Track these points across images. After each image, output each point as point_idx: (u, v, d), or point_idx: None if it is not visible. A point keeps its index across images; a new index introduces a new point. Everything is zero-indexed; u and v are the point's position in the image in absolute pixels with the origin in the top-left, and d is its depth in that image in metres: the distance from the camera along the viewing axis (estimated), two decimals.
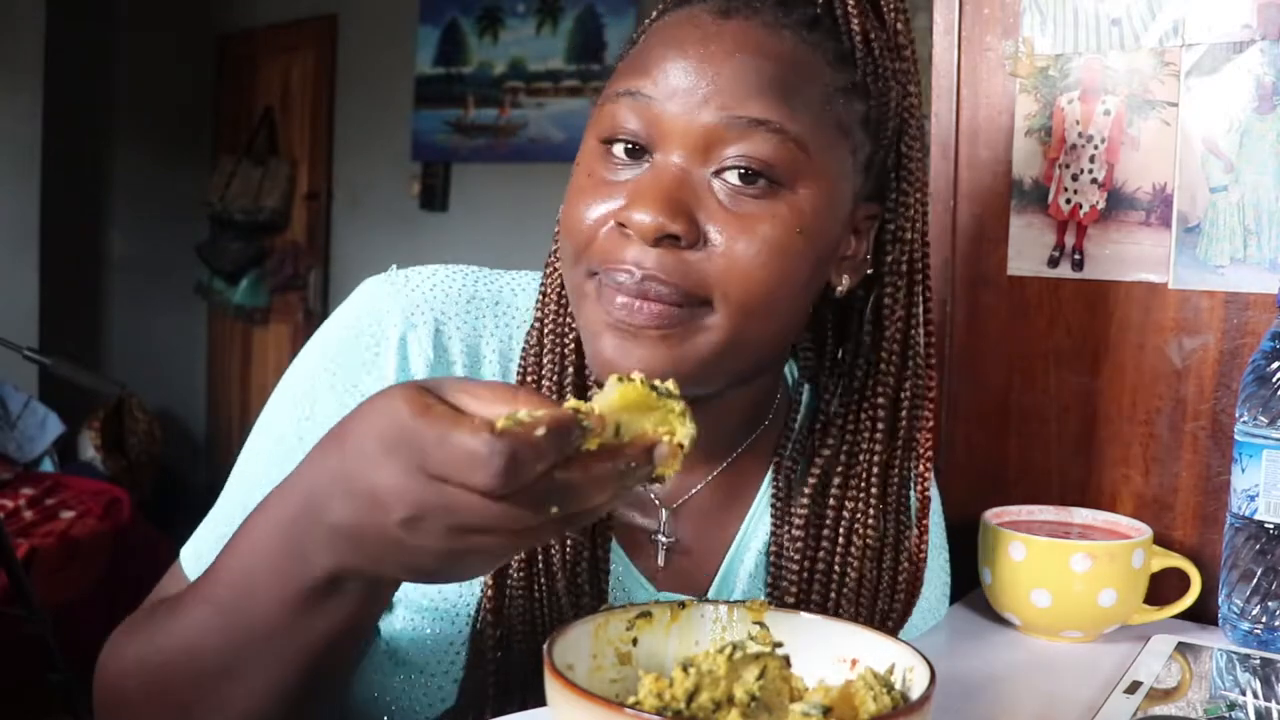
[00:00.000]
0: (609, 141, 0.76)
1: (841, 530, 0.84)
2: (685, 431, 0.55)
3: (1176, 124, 1.06)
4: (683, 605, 0.67)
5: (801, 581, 0.84)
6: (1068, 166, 1.11)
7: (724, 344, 0.75)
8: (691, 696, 0.55)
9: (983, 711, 0.84)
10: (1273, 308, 1.00)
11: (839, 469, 0.85)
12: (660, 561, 0.85)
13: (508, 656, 0.78)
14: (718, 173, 0.74)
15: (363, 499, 0.55)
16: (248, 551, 0.63)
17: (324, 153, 5.06)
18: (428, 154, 4.69)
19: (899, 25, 0.81)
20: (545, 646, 0.57)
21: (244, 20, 5.41)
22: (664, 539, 0.85)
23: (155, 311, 5.33)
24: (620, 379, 0.55)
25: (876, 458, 0.85)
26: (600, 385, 0.70)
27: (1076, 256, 1.11)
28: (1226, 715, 0.80)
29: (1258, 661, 0.91)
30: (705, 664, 0.56)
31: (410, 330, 0.81)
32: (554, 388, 0.82)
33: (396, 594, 0.80)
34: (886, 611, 0.86)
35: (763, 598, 0.84)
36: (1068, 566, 0.94)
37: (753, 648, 0.58)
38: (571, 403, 0.53)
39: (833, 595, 0.84)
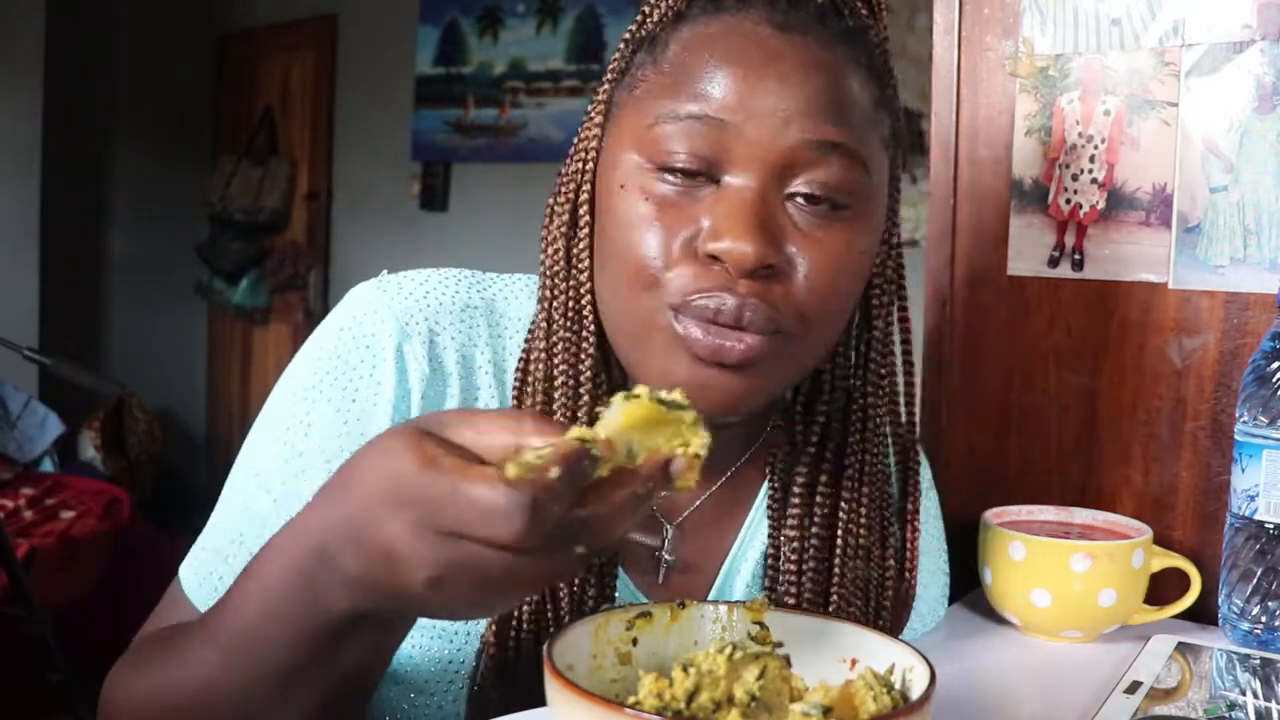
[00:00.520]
0: (668, 168, 0.73)
1: (839, 529, 0.84)
2: (700, 441, 0.54)
3: (1176, 124, 1.06)
4: (683, 605, 0.67)
5: (799, 585, 0.83)
6: (1068, 166, 1.11)
7: (800, 372, 0.75)
8: (691, 696, 0.55)
9: (983, 711, 0.84)
10: (1273, 308, 1.00)
11: (826, 468, 0.85)
12: (660, 578, 0.84)
13: (511, 680, 0.77)
14: (790, 196, 0.73)
15: (378, 557, 0.53)
16: (258, 595, 0.61)
17: (324, 153, 5.06)
18: (428, 154, 4.69)
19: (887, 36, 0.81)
20: (545, 646, 0.57)
21: (244, 20, 5.41)
22: (668, 557, 0.84)
23: (155, 311, 5.33)
24: (626, 397, 0.53)
25: (868, 455, 0.85)
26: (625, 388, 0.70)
27: (1076, 256, 1.11)
28: (1226, 715, 0.80)
29: (1258, 661, 0.91)
30: (705, 664, 0.56)
31: (406, 341, 0.79)
32: (569, 404, 0.79)
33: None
34: (878, 609, 0.86)
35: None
36: (1068, 566, 0.94)
37: (753, 648, 0.59)
38: (575, 432, 0.51)
39: (834, 597, 0.83)
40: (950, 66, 1.17)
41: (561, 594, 0.77)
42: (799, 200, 0.73)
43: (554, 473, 0.48)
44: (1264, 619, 0.94)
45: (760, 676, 0.56)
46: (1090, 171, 1.10)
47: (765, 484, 0.87)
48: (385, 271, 0.84)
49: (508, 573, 0.50)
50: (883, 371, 0.85)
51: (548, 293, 0.81)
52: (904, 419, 0.88)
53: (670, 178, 0.73)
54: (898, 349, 0.86)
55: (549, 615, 0.77)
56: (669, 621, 0.66)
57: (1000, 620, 1.01)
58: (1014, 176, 1.14)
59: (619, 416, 0.52)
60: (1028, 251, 1.13)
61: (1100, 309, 1.10)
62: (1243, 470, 0.94)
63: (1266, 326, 0.99)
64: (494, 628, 0.77)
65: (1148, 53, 1.07)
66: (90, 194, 5.18)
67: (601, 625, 0.63)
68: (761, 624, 0.65)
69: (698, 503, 0.86)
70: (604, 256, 0.76)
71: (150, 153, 5.30)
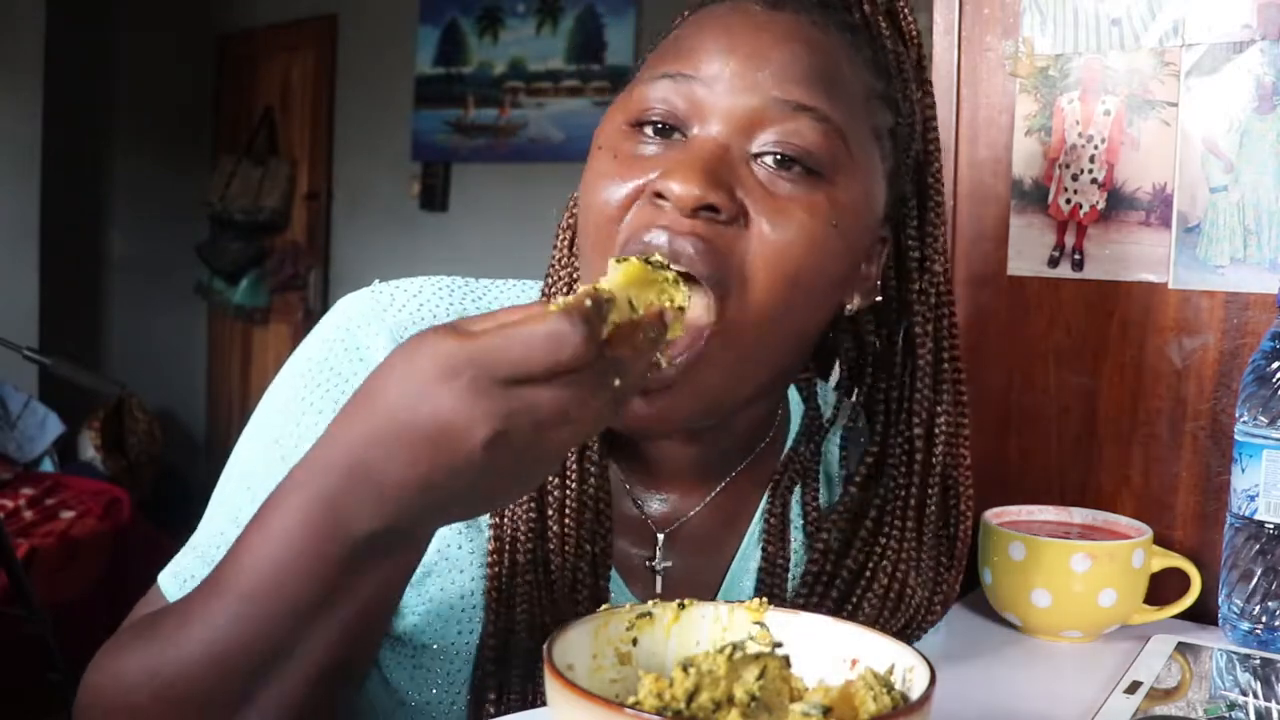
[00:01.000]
0: (639, 123, 0.74)
1: (869, 564, 0.82)
2: (682, 295, 0.64)
3: (1176, 124, 1.06)
4: (683, 605, 0.66)
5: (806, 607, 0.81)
6: (1068, 166, 1.11)
7: (747, 377, 0.74)
8: (691, 696, 0.55)
9: (983, 711, 0.83)
10: (1273, 308, 1.00)
11: (875, 503, 0.83)
12: (658, 589, 0.83)
13: (508, 687, 0.76)
14: (757, 156, 0.72)
15: (425, 443, 0.54)
16: (277, 534, 0.59)
17: (324, 153, 5.06)
18: (428, 154, 4.69)
19: (921, 59, 0.81)
20: (545, 646, 0.57)
21: (244, 20, 5.41)
22: (659, 566, 0.83)
23: (155, 311, 5.33)
24: (618, 260, 0.62)
25: (914, 492, 0.83)
26: None
27: (1076, 256, 1.11)
28: (1226, 715, 0.80)
29: (1258, 661, 0.91)
30: (705, 664, 0.56)
31: None
32: None
33: (398, 630, 0.78)
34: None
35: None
36: (1068, 566, 0.94)
37: (753, 648, 0.58)
38: (585, 288, 0.57)
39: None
40: (950, 66, 1.17)
41: (561, 594, 0.77)
42: (766, 160, 0.72)
43: (588, 303, 0.55)
44: (1264, 619, 0.94)
45: (760, 676, 0.56)
46: (1090, 171, 1.10)
47: (765, 499, 0.86)
48: (377, 280, 0.82)
49: (559, 406, 0.54)
50: (931, 407, 0.83)
51: (549, 276, 0.84)
52: (940, 456, 0.84)
53: (645, 134, 0.74)
54: (950, 383, 0.83)
55: (548, 618, 0.77)
56: (669, 621, 0.66)
57: (1000, 620, 1.01)
58: (1014, 176, 1.14)
59: (617, 275, 0.61)
60: (1028, 251, 1.13)
61: (1100, 309, 1.10)
62: (1243, 470, 0.94)
63: (1266, 326, 0.99)
64: (493, 627, 0.77)
65: (1148, 53, 1.07)
66: (90, 194, 5.18)
67: (601, 625, 0.63)
68: (761, 624, 0.65)
69: (692, 512, 0.85)
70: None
71: (150, 153, 5.30)
